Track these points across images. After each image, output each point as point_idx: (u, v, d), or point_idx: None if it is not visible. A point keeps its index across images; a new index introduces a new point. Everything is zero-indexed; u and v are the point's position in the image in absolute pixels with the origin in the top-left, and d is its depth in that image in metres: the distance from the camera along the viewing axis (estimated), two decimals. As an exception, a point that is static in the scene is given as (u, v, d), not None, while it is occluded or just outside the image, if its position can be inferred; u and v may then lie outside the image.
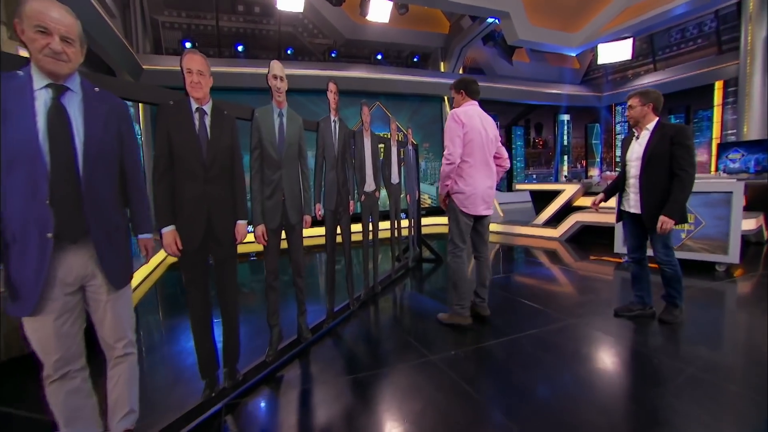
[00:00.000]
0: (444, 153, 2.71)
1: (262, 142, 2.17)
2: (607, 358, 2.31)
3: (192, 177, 1.72)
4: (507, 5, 6.48)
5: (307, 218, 2.46)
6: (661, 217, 2.48)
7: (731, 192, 3.84)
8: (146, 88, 1.72)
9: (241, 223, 1.95)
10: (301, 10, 6.97)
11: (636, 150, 2.69)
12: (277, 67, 2.20)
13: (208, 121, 1.79)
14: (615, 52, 9.01)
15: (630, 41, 8.84)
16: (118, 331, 1.43)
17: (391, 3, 6.72)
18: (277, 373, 2.25)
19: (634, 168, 2.70)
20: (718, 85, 9.78)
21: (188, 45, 8.00)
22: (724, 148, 7.33)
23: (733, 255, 3.87)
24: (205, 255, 1.81)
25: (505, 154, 2.97)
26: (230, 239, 1.91)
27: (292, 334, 2.55)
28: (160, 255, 5.70)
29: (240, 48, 8.55)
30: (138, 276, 4.21)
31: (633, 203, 2.74)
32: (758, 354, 2.23)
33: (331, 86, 2.80)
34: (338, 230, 3.00)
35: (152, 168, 1.65)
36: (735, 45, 8.77)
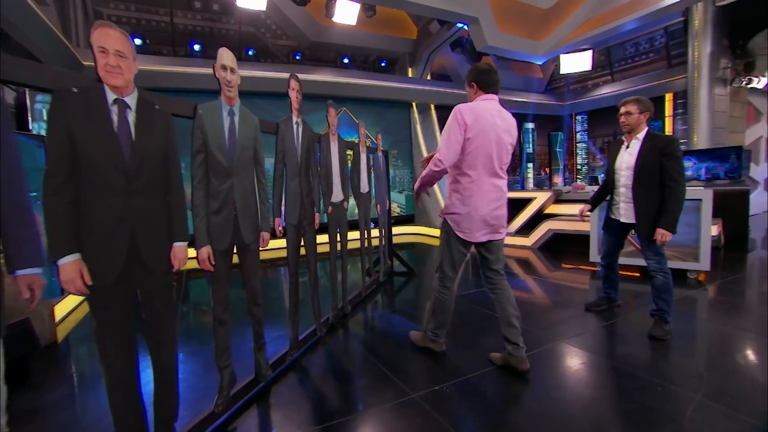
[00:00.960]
0: (435, 155, 2.17)
1: (208, 145, 1.79)
2: (601, 383, 2.10)
3: (108, 189, 1.32)
4: (476, 11, 6.42)
5: (265, 235, 2.08)
6: (660, 230, 2.40)
7: (700, 199, 3.86)
8: (28, 66, 1.29)
9: (179, 246, 1.56)
10: (264, 9, 6.56)
11: (626, 159, 2.63)
12: (226, 56, 1.83)
13: (131, 116, 1.40)
14: (576, 62, 9.27)
15: (589, 53, 9.12)
16: None
17: (358, 5, 6.46)
18: (228, 427, 1.84)
19: (624, 177, 2.64)
20: (668, 97, 10.30)
21: (138, 41, 7.33)
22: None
23: (704, 262, 3.88)
24: (127, 289, 1.41)
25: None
26: (163, 266, 1.51)
27: (249, 373, 2.15)
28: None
29: (196, 47, 7.96)
30: (66, 306, 3.60)
31: (623, 212, 2.69)
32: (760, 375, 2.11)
33: (293, 83, 2.46)
34: (302, 245, 2.64)
35: (43, 178, 1.23)
36: (683, 59, 9.25)
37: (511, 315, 2.24)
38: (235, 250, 1.96)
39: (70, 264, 1.24)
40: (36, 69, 1.33)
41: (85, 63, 6.14)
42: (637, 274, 4.25)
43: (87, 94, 1.30)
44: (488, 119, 2.12)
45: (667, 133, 10.60)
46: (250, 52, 8.43)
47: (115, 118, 1.36)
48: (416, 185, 2.30)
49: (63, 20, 6.39)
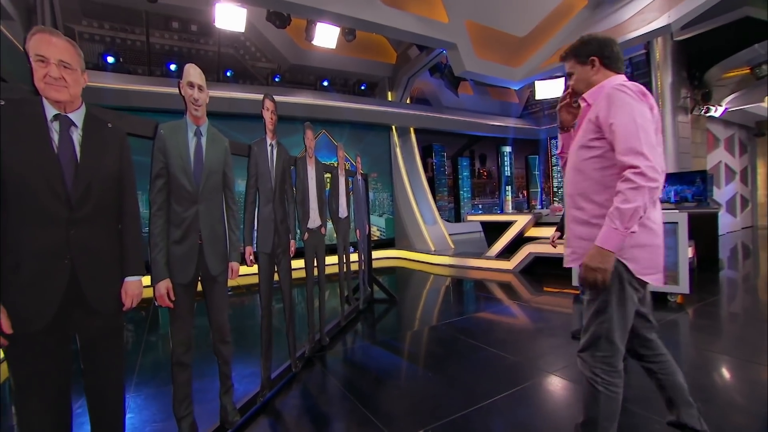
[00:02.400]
0: (638, 166, 1.25)
1: (170, 168, 1.62)
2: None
3: (43, 219, 1.15)
4: (455, 37, 6.57)
5: (234, 266, 1.90)
6: None
7: (677, 222, 3.91)
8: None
9: (132, 281, 1.38)
10: (242, 31, 6.50)
11: None
12: (193, 72, 1.70)
13: (77, 135, 1.23)
14: (550, 88, 9.61)
15: (563, 80, 9.50)
16: None
17: (338, 29, 6.50)
18: (184, 489, 1.60)
19: None
20: (637, 123, 10.81)
21: (110, 59, 7.10)
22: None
23: (683, 285, 3.89)
24: (63, 336, 1.21)
25: None
26: (112, 306, 1.32)
27: (213, 419, 1.92)
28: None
29: (173, 67, 7.77)
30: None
31: None
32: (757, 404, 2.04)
33: (267, 103, 2.34)
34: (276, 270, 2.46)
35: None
36: (647, 88, 9.76)
37: (682, 388, 1.57)
38: (200, 283, 1.77)
39: (-13, 309, 1.04)
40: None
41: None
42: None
43: (19, 108, 1.14)
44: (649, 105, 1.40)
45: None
46: (229, 74, 8.32)
47: (55, 136, 1.19)
48: (619, 226, 1.25)
49: (29, 37, 6.14)
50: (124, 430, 1.40)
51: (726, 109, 9.28)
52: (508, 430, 1.92)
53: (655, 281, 1.40)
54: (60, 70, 1.19)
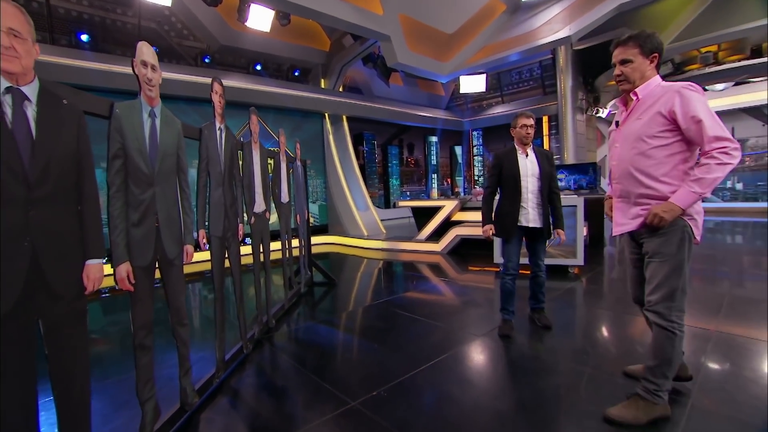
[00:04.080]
0: (725, 146, 1.54)
1: (127, 149, 1.59)
2: (515, 369, 2.41)
3: (1, 199, 1.10)
4: (388, 29, 6.79)
5: (189, 249, 1.91)
6: (561, 231, 2.75)
7: (576, 205, 4.67)
8: None
9: (93, 264, 1.36)
10: (168, 5, 5.94)
11: (530, 167, 2.79)
12: (146, 51, 1.66)
13: (31, 111, 1.19)
14: (473, 83, 10.40)
15: (484, 76, 10.33)
16: None
17: (273, 12, 6.30)
18: (152, 466, 1.63)
19: (531, 184, 2.76)
20: (545, 119, 12.20)
21: None
22: (553, 170, 9.11)
23: (580, 258, 4.68)
24: (26, 320, 1.18)
25: None
26: (74, 290, 1.30)
27: (174, 401, 1.93)
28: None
29: (84, 38, 6.78)
30: None
31: (533, 218, 2.76)
32: (617, 341, 2.64)
33: (216, 87, 2.32)
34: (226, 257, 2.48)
35: None
36: (554, 89, 11.08)
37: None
38: (157, 266, 1.76)
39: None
40: None
41: None
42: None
43: None
44: None
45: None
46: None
47: (9, 111, 1.14)
48: (699, 190, 1.57)
49: None
50: (90, 414, 1.39)
51: (610, 111, 10.92)
52: (450, 384, 2.24)
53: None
54: (10, 39, 1.13)
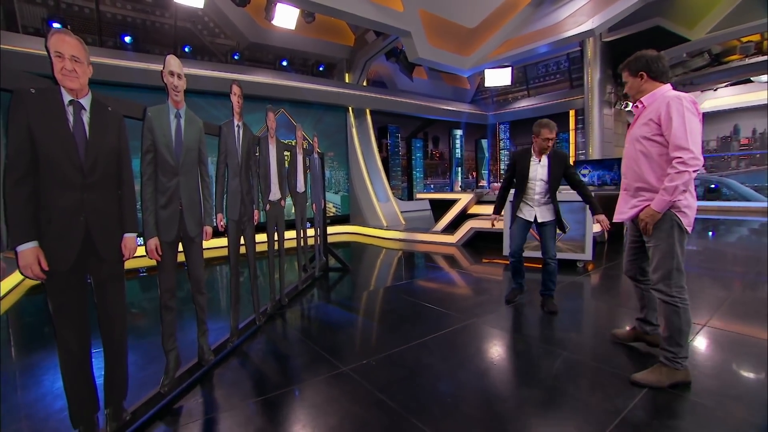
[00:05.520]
0: (681, 156, 1.84)
1: (157, 145, 1.94)
2: (504, 352, 2.62)
3: (65, 183, 1.45)
4: (409, 25, 6.94)
5: (208, 229, 2.26)
6: (598, 217, 2.86)
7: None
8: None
9: (130, 237, 1.71)
10: (201, 6, 6.41)
11: (540, 172, 3.11)
12: (173, 62, 1.99)
13: (86, 117, 1.53)
14: (498, 77, 10.33)
15: (509, 69, 10.23)
16: None
17: (298, 10, 6.62)
18: (174, 405, 2.00)
19: (539, 187, 3.13)
20: (572, 113, 11.92)
21: (56, 26, 6.65)
22: (577, 165, 8.94)
23: (588, 253, 4.74)
24: (81, 275, 1.54)
25: None
26: (115, 255, 1.66)
27: (192, 358, 2.30)
28: (15, 277, 4.67)
29: (127, 39, 7.42)
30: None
31: (539, 213, 3.17)
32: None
33: (235, 89, 2.65)
34: (242, 241, 2.82)
35: (4, 170, 1.33)
36: (581, 82, 10.81)
37: (655, 300, 2.24)
38: (180, 245, 2.11)
39: (28, 251, 1.36)
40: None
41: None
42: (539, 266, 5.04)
43: (44, 95, 1.42)
44: None
45: (570, 145, 12.24)
46: (187, 49, 8.10)
47: (71, 118, 1.49)
48: (667, 197, 1.89)
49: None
50: (127, 353, 1.76)
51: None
52: (433, 357, 2.49)
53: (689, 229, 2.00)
54: (72, 64, 1.47)
